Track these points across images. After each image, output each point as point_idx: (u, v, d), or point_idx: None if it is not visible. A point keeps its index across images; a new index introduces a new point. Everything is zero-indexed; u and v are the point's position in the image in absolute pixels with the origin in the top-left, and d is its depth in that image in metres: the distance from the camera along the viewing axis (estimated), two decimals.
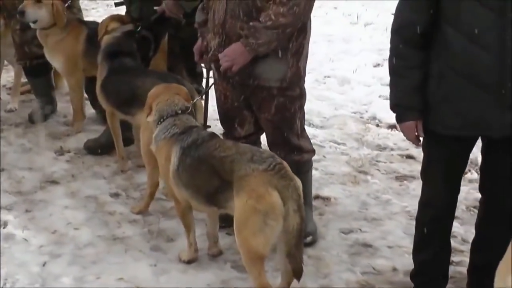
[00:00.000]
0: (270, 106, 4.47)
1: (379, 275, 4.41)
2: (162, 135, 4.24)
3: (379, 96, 7.28)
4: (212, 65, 4.53)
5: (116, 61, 5.42)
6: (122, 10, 5.99)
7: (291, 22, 4.19)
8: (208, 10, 4.53)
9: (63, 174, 5.62)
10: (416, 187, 5.35)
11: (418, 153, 5.40)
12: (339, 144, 6.33)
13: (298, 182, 3.84)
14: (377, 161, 6.05)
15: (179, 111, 4.30)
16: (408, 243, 4.52)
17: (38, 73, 6.55)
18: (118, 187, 5.44)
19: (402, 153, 6.14)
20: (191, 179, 4.07)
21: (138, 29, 5.53)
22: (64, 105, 6.87)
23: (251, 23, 4.21)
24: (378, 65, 8.23)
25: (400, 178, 5.70)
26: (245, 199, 3.76)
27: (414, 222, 4.07)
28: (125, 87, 5.24)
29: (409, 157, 6.06)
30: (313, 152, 4.76)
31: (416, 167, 5.63)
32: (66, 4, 6.19)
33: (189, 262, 4.46)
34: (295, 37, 4.33)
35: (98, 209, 5.11)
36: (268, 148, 4.65)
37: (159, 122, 4.30)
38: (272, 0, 4.15)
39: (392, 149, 6.29)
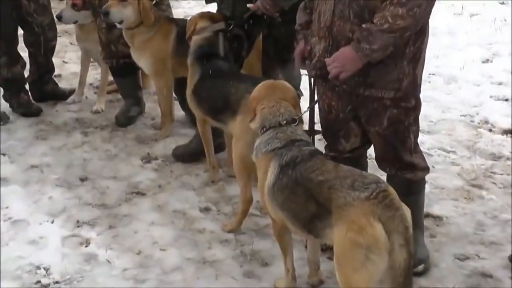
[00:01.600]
0: (382, 118, 4.00)
1: None
2: (263, 147, 3.81)
3: (490, 97, 6.71)
4: (317, 72, 4.05)
5: (209, 64, 4.99)
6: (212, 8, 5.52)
7: (410, 25, 3.71)
8: (311, 11, 4.11)
9: (150, 184, 5.24)
10: None
11: None
12: (448, 152, 5.77)
13: (406, 212, 3.35)
14: (492, 172, 5.48)
15: (284, 122, 3.86)
16: None
17: (125, 73, 6.20)
18: (208, 200, 5.04)
19: None
20: (286, 201, 3.65)
21: (230, 27, 5.04)
22: (152, 106, 6.51)
23: (363, 26, 3.75)
24: (487, 61, 7.62)
25: None
26: (344, 231, 3.33)
27: None
28: (218, 93, 4.81)
29: None
30: (427, 170, 4.25)
31: None
32: (154, 1, 5.77)
33: None
34: (412, 41, 3.84)
35: (186, 226, 4.71)
36: (376, 164, 4.21)
37: (262, 131, 3.87)
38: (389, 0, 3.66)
39: (508, 159, 5.69)
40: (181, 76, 5.74)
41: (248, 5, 4.98)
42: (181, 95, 5.83)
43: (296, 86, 5.33)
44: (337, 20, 3.87)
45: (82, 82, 6.68)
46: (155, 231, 4.64)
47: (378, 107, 3.98)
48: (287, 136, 3.80)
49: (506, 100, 6.69)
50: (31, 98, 6.49)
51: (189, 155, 5.56)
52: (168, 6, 6.09)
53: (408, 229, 3.30)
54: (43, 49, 6.44)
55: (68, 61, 7.69)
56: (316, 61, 4.03)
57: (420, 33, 3.86)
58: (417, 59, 3.96)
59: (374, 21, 3.72)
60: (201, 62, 5.04)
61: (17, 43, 6.36)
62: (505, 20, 8.61)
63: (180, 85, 5.78)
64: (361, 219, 3.28)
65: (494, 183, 5.32)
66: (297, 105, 4.04)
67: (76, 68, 7.13)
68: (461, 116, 6.41)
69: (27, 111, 6.34)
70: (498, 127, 6.16)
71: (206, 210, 4.93)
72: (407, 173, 4.14)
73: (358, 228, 3.28)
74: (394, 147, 4.09)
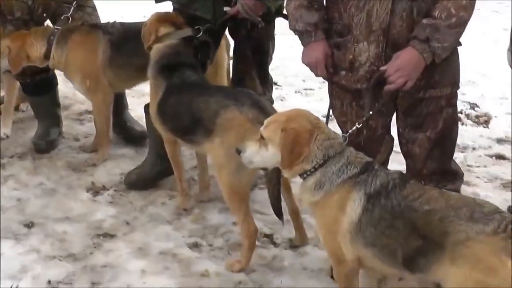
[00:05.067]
0: (437, 121, 3.57)
1: None
2: (337, 178, 3.16)
3: None
4: (363, 85, 3.52)
5: (176, 76, 4.24)
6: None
7: (470, 16, 3.32)
8: (320, 6, 3.56)
9: (114, 222, 4.44)
10: None
11: None
12: None
13: None
14: (468, 166, 5.21)
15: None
16: None
17: (42, 91, 5.28)
18: (192, 234, 4.33)
19: None
20: (380, 236, 3.06)
21: (200, 33, 4.34)
22: (68, 124, 5.61)
23: (425, 21, 3.28)
24: None
25: None
26: (468, 271, 2.81)
27: None
28: (187, 110, 4.10)
29: None
30: (463, 178, 3.82)
31: None
32: (74, 5, 4.91)
33: None
34: None
35: (185, 271, 3.98)
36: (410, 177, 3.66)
37: (317, 166, 3.21)
38: None
39: (475, 148, 5.45)
40: (121, 91, 5.16)
41: (225, 8, 4.31)
42: (116, 114, 5.21)
43: (270, 91, 4.76)
44: (398, 20, 3.35)
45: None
46: (152, 282, 3.87)
47: (434, 109, 3.54)
48: (357, 158, 3.22)
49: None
50: None
51: (144, 182, 4.81)
52: (94, 9, 5.25)
53: None
54: None
55: None
56: (366, 72, 3.46)
57: None
58: (457, 50, 3.57)
59: (435, 14, 3.26)
60: (166, 74, 4.29)
61: None
62: None
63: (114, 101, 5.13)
64: (489, 257, 2.78)
65: (478, 177, 5.01)
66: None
67: None
68: None
69: None
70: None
71: (196, 246, 4.22)
72: (449, 184, 3.71)
73: (487, 268, 2.77)
74: (443, 152, 3.66)
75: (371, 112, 3.46)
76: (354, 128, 3.43)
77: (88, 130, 5.65)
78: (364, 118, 3.46)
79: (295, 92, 6.79)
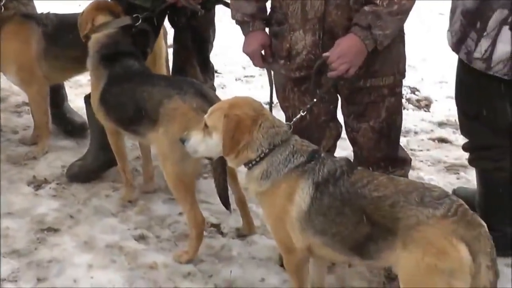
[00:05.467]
0: (379, 110, 3.57)
1: None
2: (284, 167, 3.13)
3: None
4: (301, 73, 3.50)
5: (118, 66, 4.17)
6: None
7: (412, 5, 3.32)
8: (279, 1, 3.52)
9: (58, 216, 4.35)
10: None
11: None
12: None
13: (486, 227, 2.90)
14: (412, 150, 5.25)
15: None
16: None
17: None
18: (138, 226, 4.27)
19: None
20: (330, 224, 3.04)
21: (138, 21, 4.26)
22: (6, 116, 5.49)
23: (366, 9, 3.27)
24: None
25: None
26: (420, 255, 2.82)
27: None
28: (129, 100, 4.03)
29: None
30: (411, 164, 3.85)
31: None
32: None
33: None
34: None
35: (132, 263, 3.93)
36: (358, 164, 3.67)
37: (262, 155, 3.16)
38: None
39: (416, 132, 5.60)
40: (57, 83, 5.06)
41: None
42: (55, 105, 5.11)
43: (212, 78, 4.72)
44: (333, 9, 3.35)
45: None
46: (100, 276, 3.80)
47: (376, 98, 3.54)
48: (303, 147, 3.19)
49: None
50: None
51: (87, 174, 4.73)
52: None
53: (493, 248, 2.86)
54: None
55: None
56: (303, 60, 3.46)
57: None
58: (403, 35, 3.59)
59: (377, 1, 3.25)
60: (107, 64, 4.21)
61: None
62: None
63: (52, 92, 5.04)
64: (441, 241, 2.79)
65: (421, 161, 5.06)
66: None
67: None
68: None
69: None
70: None
71: (142, 238, 4.16)
72: (398, 170, 3.73)
73: (438, 251, 2.78)
74: (389, 141, 3.67)
75: (315, 100, 3.45)
76: (298, 116, 3.41)
77: (26, 122, 5.53)
78: (308, 106, 3.44)
79: (236, 79, 6.76)
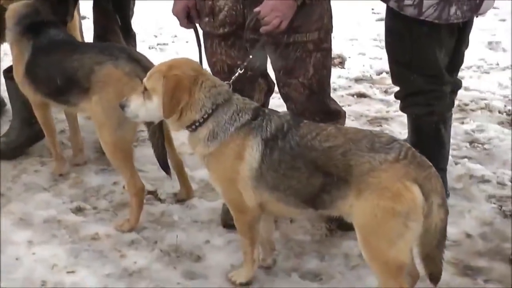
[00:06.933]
0: (307, 66, 3.59)
1: None
2: (230, 126, 3.11)
3: None
4: (225, 29, 3.53)
5: (42, 36, 4.05)
6: None
7: None
8: None
9: None
10: None
11: None
12: None
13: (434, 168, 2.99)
14: None
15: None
16: None
17: None
18: (73, 198, 4.20)
19: None
20: (282, 179, 3.06)
21: None
22: None
23: None
24: None
25: None
26: (375, 200, 2.87)
27: None
28: (58, 70, 3.93)
29: None
30: (345, 116, 3.91)
31: None
32: None
33: (248, 283, 3.45)
34: None
35: (74, 236, 3.86)
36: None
37: (206, 116, 3.15)
38: None
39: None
40: None
41: None
42: None
43: (134, 45, 4.65)
44: None
45: None
46: (42, 252, 3.71)
47: (302, 54, 3.56)
48: (247, 104, 3.19)
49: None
50: None
51: (13, 150, 4.61)
52: None
53: (443, 187, 2.95)
54: None
55: None
56: (225, 16, 3.48)
57: None
58: None
59: None
60: (30, 35, 4.09)
61: None
62: None
63: None
64: (396, 184, 2.85)
65: None
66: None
67: None
68: None
69: None
70: None
71: (79, 211, 4.10)
72: (333, 123, 3.76)
73: (393, 194, 2.84)
74: (319, 96, 3.71)
75: (250, 56, 3.44)
76: (237, 74, 3.39)
77: None
78: (245, 63, 3.42)
79: (149, 48, 6.69)
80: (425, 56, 3.73)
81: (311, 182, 3.01)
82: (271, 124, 3.09)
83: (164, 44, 6.78)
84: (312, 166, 3.00)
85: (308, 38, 3.53)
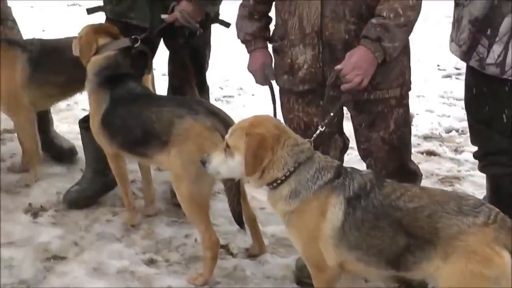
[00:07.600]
0: (388, 120, 3.60)
1: None
2: (313, 185, 3.09)
3: None
4: (304, 87, 3.58)
5: (120, 88, 4.11)
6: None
7: (417, 16, 3.40)
8: (261, 16, 3.69)
9: (62, 243, 4.24)
10: None
11: None
12: None
13: None
14: None
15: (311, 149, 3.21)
16: None
17: None
18: (145, 250, 4.19)
19: None
20: (365, 238, 3.03)
21: (138, 43, 4.22)
22: None
23: (374, 21, 3.32)
24: None
25: None
26: (463, 264, 2.83)
27: None
28: (136, 121, 3.97)
29: None
30: (422, 178, 3.87)
31: None
32: None
33: None
34: None
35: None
36: None
37: (288, 174, 3.13)
38: None
39: None
40: (43, 109, 4.98)
41: (162, 16, 4.21)
42: (42, 131, 5.03)
43: (208, 98, 4.69)
44: (329, 21, 3.39)
45: None
46: None
47: (384, 109, 3.58)
48: (329, 163, 3.18)
49: None
50: None
51: (85, 200, 4.64)
52: (14, 22, 4.99)
53: None
54: None
55: None
56: (305, 74, 3.51)
57: None
58: (408, 48, 3.65)
59: (384, 14, 3.31)
60: (108, 87, 4.15)
61: None
62: None
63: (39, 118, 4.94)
64: (485, 248, 2.81)
65: None
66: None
67: None
68: None
69: None
70: None
71: (152, 263, 4.09)
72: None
73: (482, 259, 2.80)
74: (400, 153, 3.70)
75: (331, 114, 3.45)
76: (318, 131, 3.38)
77: (11, 149, 5.40)
78: (326, 120, 3.42)
79: (216, 100, 6.73)
80: (506, 115, 3.69)
81: (394, 242, 2.98)
82: (354, 182, 3.07)
83: (230, 96, 6.83)
84: (396, 226, 2.96)
85: (390, 95, 3.55)
